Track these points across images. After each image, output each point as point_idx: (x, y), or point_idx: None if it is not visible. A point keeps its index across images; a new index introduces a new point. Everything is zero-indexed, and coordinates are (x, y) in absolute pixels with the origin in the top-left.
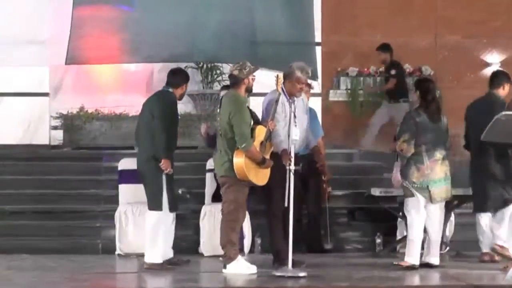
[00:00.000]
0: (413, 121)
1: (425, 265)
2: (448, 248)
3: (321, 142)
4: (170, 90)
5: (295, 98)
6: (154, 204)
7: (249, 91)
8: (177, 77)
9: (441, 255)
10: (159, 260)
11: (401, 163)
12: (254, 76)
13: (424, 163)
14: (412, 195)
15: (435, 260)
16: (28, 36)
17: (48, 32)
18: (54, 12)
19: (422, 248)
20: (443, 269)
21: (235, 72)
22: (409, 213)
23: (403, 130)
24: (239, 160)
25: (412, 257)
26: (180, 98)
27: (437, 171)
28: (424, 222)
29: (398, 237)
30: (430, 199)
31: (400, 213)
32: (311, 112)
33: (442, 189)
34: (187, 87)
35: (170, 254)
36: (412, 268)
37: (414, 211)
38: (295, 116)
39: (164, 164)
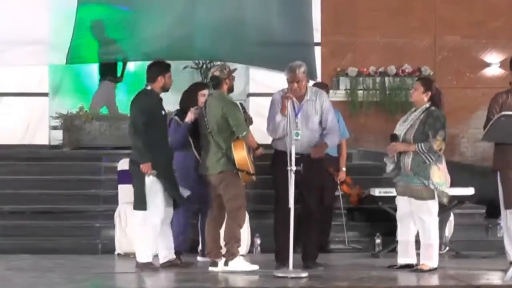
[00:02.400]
0: (443, 119)
1: (405, 266)
2: (447, 248)
3: (343, 143)
4: (148, 87)
5: (307, 98)
6: (138, 203)
7: (230, 90)
8: (151, 71)
9: (440, 255)
10: (148, 259)
11: (413, 163)
12: (233, 76)
13: (443, 162)
14: (433, 197)
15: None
16: (28, 35)
17: (48, 32)
18: (54, 12)
19: (418, 248)
20: (442, 269)
21: (216, 73)
22: (430, 216)
23: (439, 129)
24: (242, 153)
25: (431, 260)
26: (164, 90)
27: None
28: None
29: (397, 237)
30: (444, 200)
31: None
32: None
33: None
34: (167, 78)
35: (170, 255)
36: (432, 270)
37: (434, 214)
38: (296, 114)
39: (143, 168)
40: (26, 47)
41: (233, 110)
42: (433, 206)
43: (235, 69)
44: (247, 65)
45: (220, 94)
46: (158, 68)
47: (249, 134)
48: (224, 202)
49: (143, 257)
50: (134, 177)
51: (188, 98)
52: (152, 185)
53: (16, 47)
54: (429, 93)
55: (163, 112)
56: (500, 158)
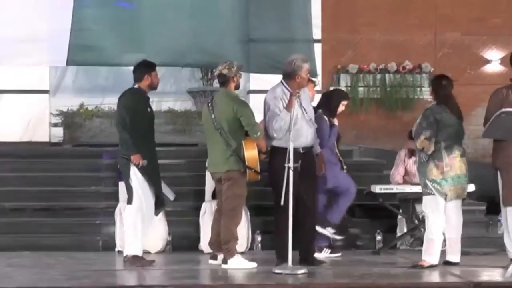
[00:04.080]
0: (433, 118)
1: (445, 263)
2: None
3: None
4: (136, 86)
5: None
6: (128, 198)
7: (237, 88)
8: (137, 71)
9: (440, 252)
10: (136, 252)
11: (418, 161)
12: (240, 73)
13: (443, 160)
14: (432, 193)
15: (455, 258)
16: (28, 36)
17: (48, 33)
18: (55, 11)
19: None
20: (442, 266)
21: (225, 71)
22: (430, 212)
23: (423, 128)
24: (253, 152)
25: (431, 256)
26: (152, 88)
27: (455, 168)
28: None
29: (398, 234)
30: (446, 197)
31: (400, 210)
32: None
33: (457, 186)
34: (153, 77)
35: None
36: (431, 267)
37: (434, 210)
38: (304, 109)
39: (134, 159)
40: (25, 48)
41: (245, 110)
42: (431, 202)
43: (242, 67)
44: (246, 72)
45: (228, 92)
46: (144, 68)
47: (262, 136)
48: (223, 199)
49: (131, 250)
50: (124, 173)
51: (334, 103)
52: (139, 180)
53: (15, 47)
54: (430, 89)
55: (148, 110)
56: (499, 155)
